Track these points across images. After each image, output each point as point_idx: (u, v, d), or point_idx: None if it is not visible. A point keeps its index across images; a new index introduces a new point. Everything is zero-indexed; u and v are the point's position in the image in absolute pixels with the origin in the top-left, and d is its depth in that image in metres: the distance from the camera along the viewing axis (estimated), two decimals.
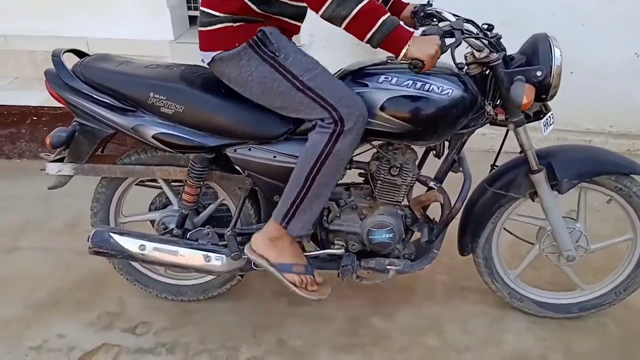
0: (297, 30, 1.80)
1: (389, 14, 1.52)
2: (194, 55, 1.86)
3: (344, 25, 1.51)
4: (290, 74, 1.68)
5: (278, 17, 1.70)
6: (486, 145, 2.59)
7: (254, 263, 1.92)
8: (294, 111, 1.75)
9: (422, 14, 1.87)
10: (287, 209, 1.80)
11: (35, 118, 3.33)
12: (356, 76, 1.80)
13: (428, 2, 1.89)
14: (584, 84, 3.00)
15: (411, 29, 1.74)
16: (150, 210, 2.16)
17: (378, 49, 1.60)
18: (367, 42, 1.53)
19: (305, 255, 1.95)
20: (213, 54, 1.72)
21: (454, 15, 1.76)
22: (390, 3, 1.96)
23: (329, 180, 1.79)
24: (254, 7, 1.65)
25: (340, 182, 1.96)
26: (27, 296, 2.31)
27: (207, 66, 1.80)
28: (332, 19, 1.51)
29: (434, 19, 1.82)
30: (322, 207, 1.85)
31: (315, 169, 1.74)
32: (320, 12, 1.50)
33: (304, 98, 1.70)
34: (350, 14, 1.47)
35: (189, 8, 3.84)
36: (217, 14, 1.67)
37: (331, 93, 1.70)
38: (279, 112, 1.78)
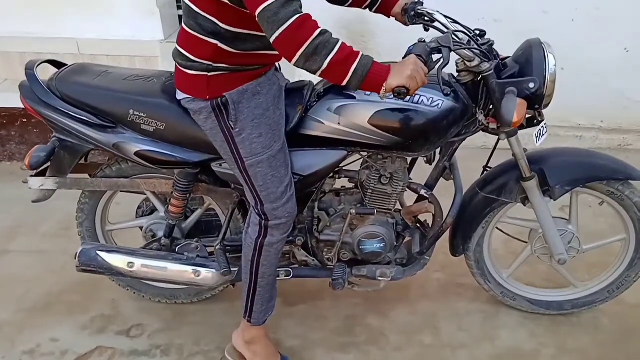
0: (278, 58, 1.71)
1: (360, 54, 1.45)
2: None
3: (317, 75, 1.45)
4: (237, 151, 1.66)
5: (256, 52, 1.61)
6: (479, 142, 2.59)
7: None
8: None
9: (412, 12, 1.80)
10: (245, 304, 1.88)
11: (25, 120, 3.30)
12: (343, 87, 1.72)
13: (419, 0, 1.85)
14: (575, 80, 2.98)
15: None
16: (137, 215, 2.14)
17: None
18: (345, 86, 1.48)
19: (280, 354, 1.98)
20: (184, 95, 1.67)
21: (446, 17, 1.70)
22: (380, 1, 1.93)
23: (271, 270, 1.82)
24: (228, 48, 1.56)
25: (330, 189, 1.96)
26: (20, 300, 2.30)
27: None
28: (305, 70, 1.45)
29: (425, 18, 1.75)
30: (275, 291, 1.90)
31: (255, 262, 1.78)
32: (292, 63, 1.43)
33: (241, 177, 1.72)
34: (320, 68, 1.41)
35: (179, 7, 3.82)
36: (192, 57, 1.60)
37: (263, 186, 1.69)
38: None
